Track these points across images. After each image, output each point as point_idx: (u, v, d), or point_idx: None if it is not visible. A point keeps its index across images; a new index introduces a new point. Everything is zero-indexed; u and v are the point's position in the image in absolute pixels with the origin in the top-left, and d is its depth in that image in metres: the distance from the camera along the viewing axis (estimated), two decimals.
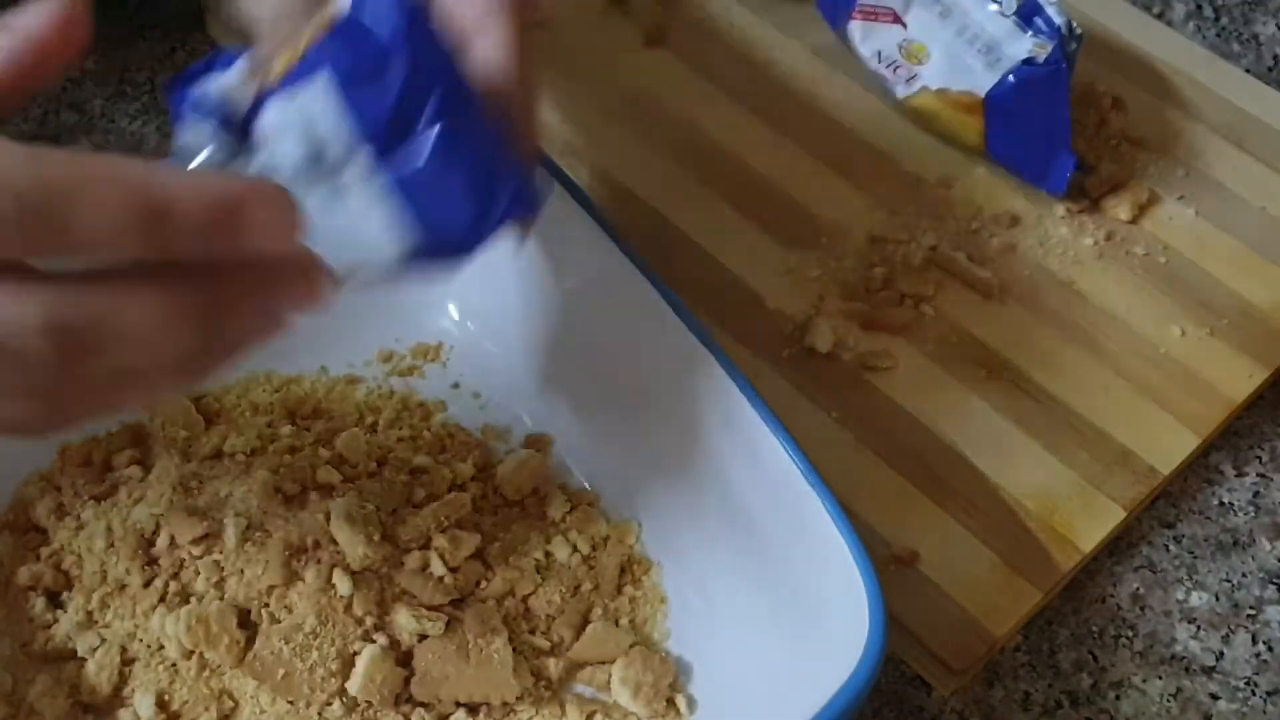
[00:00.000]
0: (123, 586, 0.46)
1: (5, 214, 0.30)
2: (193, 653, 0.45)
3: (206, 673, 0.45)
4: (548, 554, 0.49)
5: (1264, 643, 0.53)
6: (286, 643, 0.44)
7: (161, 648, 0.45)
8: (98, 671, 0.45)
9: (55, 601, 0.47)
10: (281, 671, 0.44)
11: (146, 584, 0.46)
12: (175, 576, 0.46)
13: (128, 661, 0.45)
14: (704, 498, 0.50)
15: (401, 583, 0.47)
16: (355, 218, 0.37)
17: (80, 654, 0.45)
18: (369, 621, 0.45)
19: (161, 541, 0.46)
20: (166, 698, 0.44)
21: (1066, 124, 0.62)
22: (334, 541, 0.47)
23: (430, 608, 0.46)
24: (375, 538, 0.47)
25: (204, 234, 0.32)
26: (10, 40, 0.34)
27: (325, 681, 0.44)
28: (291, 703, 0.44)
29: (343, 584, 0.46)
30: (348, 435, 0.51)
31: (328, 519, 0.47)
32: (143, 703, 0.44)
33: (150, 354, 0.33)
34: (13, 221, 0.30)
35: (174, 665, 0.45)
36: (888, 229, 0.63)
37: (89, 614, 0.46)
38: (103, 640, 0.45)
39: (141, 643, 0.45)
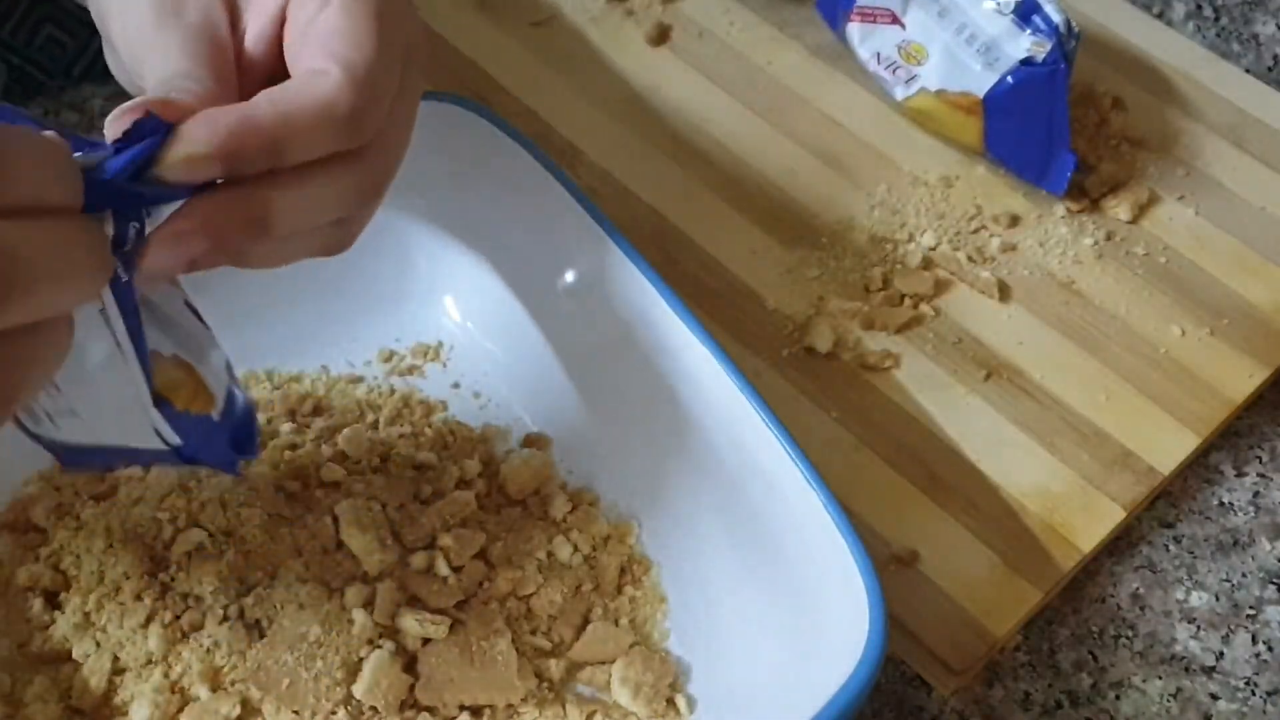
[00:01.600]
0: (118, 589, 0.46)
1: None
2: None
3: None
4: (549, 554, 0.49)
5: (1264, 643, 0.53)
6: (291, 652, 0.44)
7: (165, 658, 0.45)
8: (92, 675, 0.45)
9: (53, 602, 0.46)
10: (286, 681, 0.44)
11: (138, 596, 0.46)
12: (174, 588, 0.46)
13: (119, 671, 0.45)
14: (704, 498, 0.49)
15: (408, 585, 0.46)
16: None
17: (75, 657, 0.45)
18: (374, 628, 0.45)
19: (161, 547, 0.47)
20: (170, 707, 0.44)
21: (1066, 123, 0.62)
22: (339, 547, 0.47)
23: (435, 610, 0.46)
24: (388, 541, 0.47)
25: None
26: None
27: (330, 690, 0.44)
28: (297, 712, 0.44)
29: (349, 592, 0.46)
30: (350, 431, 0.51)
31: (333, 519, 0.47)
32: (138, 713, 0.44)
33: None
34: None
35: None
36: (888, 229, 0.63)
37: (86, 615, 0.46)
38: (98, 645, 0.45)
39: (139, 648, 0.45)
